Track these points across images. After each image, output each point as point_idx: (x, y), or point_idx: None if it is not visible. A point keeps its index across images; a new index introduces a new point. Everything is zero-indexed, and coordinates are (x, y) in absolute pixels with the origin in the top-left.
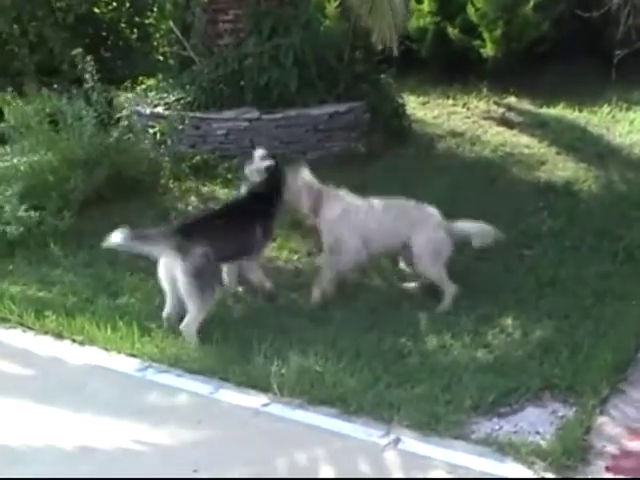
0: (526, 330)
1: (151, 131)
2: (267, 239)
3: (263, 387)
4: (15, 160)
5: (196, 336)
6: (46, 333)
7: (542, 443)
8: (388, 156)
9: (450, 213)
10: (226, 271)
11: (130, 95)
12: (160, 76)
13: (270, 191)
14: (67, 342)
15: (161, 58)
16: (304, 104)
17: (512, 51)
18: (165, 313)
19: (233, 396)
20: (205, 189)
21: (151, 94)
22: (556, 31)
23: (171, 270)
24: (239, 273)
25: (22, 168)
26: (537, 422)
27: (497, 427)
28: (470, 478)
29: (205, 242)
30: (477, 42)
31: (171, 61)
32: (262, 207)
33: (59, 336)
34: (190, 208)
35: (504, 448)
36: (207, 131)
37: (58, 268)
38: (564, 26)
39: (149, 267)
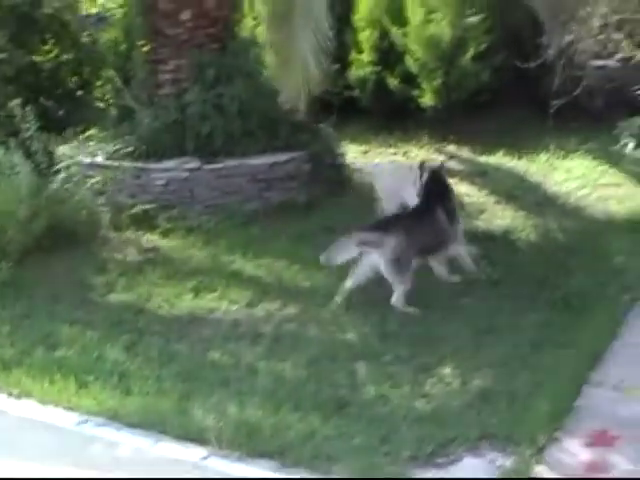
0: (464, 379)
1: (91, 181)
2: (456, 223)
3: (201, 440)
4: None
5: (406, 306)
6: None
7: None
8: (328, 206)
9: None
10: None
11: (70, 144)
12: (101, 125)
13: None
14: (3, 395)
15: (102, 107)
16: (245, 154)
17: (452, 100)
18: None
19: (172, 449)
20: (145, 239)
21: (91, 143)
22: (495, 81)
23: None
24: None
25: None
26: (475, 472)
27: (436, 478)
28: None
29: (400, 235)
30: (417, 92)
31: (112, 110)
32: (440, 198)
33: None
34: (129, 259)
35: None
36: (147, 181)
37: None
38: (503, 76)
39: (88, 318)
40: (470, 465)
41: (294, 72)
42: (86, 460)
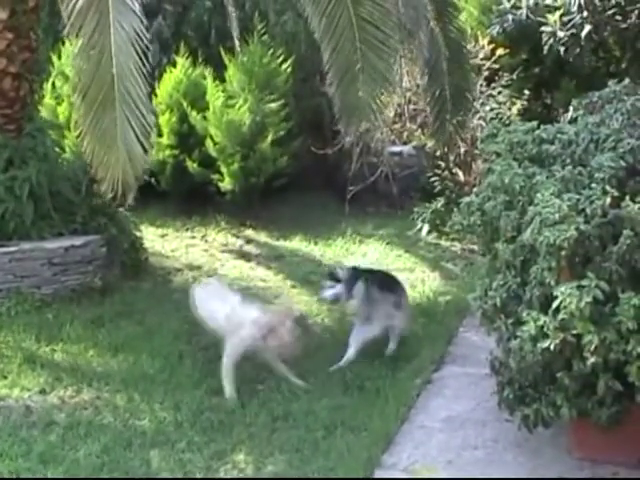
0: (258, 465)
1: None
2: None
3: None
4: None
5: None
6: None
7: None
8: (124, 290)
9: (186, 347)
10: None
11: None
12: None
13: None
14: None
15: None
16: (40, 237)
17: (250, 185)
18: None
19: None
20: None
21: None
22: (293, 166)
23: None
24: None
25: None
26: None
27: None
28: None
29: None
30: (216, 176)
31: None
32: None
33: None
34: None
35: None
36: None
37: None
38: (301, 161)
39: None
40: None
41: (119, 159)
42: None
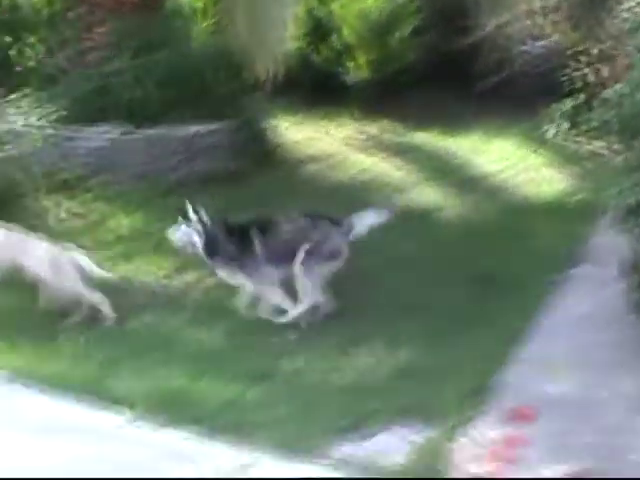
0: (385, 354)
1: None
2: None
3: (128, 405)
4: None
5: None
6: None
7: (402, 463)
8: (255, 178)
9: None
10: None
11: None
12: (25, 91)
13: None
14: None
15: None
16: (171, 122)
17: (379, 77)
18: None
19: (96, 414)
20: (67, 206)
21: (12, 110)
22: (422, 60)
23: None
24: None
25: None
26: (397, 444)
27: (358, 448)
28: None
29: None
30: (346, 66)
31: (36, 76)
32: None
33: None
34: (51, 226)
35: (366, 469)
36: (71, 148)
37: None
38: (430, 55)
39: None
40: (393, 437)
41: (269, 41)
42: (12, 423)
